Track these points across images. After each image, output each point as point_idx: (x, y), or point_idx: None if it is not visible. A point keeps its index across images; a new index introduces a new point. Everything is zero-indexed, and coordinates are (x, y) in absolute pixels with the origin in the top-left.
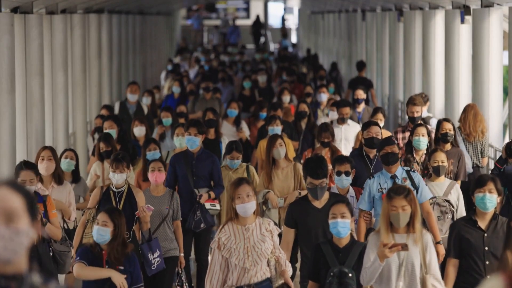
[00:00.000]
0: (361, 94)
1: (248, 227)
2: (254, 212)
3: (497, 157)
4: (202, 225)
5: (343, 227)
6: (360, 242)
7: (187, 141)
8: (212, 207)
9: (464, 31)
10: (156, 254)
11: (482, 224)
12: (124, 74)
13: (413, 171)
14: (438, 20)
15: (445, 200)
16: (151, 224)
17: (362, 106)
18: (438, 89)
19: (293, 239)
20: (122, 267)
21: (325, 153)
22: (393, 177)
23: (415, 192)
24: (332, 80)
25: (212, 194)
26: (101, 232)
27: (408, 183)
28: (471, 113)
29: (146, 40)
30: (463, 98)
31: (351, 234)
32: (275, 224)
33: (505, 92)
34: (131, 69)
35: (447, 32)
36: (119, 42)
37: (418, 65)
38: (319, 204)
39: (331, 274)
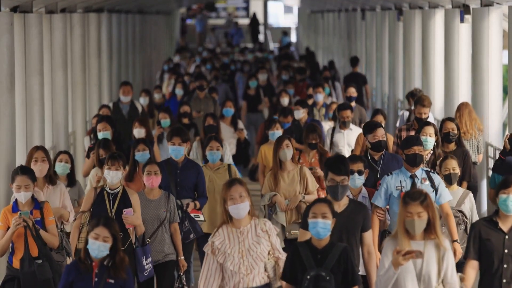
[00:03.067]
0: (353, 92)
1: (242, 230)
2: (249, 213)
3: (497, 156)
4: (191, 236)
5: (323, 227)
6: (340, 244)
7: (171, 151)
8: (196, 218)
9: (463, 30)
10: (148, 260)
11: (504, 226)
12: (124, 73)
13: (433, 172)
14: (438, 19)
15: (458, 210)
16: (148, 228)
17: (353, 105)
18: (438, 88)
19: None
20: (112, 281)
21: (313, 155)
22: (413, 177)
23: (434, 194)
24: (330, 79)
25: (197, 204)
26: (102, 248)
27: (427, 184)
28: (466, 111)
29: (146, 39)
30: (463, 97)
31: (330, 235)
32: (283, 226)
33: (505, 91)
34: (131, 68)
35: (447, 31)
36: (118, 41)
37: (417, 64)
38: (338, 207)
39: (308, 277)
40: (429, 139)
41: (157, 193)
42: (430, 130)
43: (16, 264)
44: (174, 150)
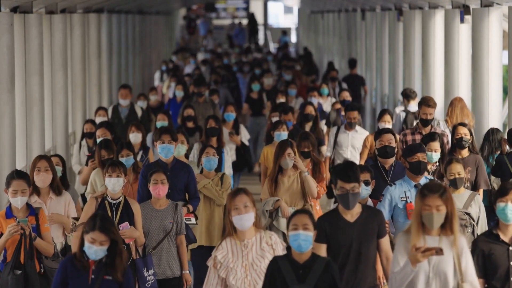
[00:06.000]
0: (347, 95)
1: (247, 243)
2: (254, 225)
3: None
4: None
5: (305, 240)
6: (322, 257)
7: (161, 150)
8: (188, 221)
9: (463, 31)
10: (151, 272)
11: (506, 237)
12: (124, 73)
13: (437, 181)
14: (438, 19)
15: (465, 213)
16: (152, 239)
17: None
18: (438, 88)
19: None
20: (110, 277)
21: (306, 164)
22: (417, 186)
23: None
24: (329, 80)
25: (190, 208)
26: (99, 253)
27: None
28: (458, 106)
29: (146, 40)
30: (463, 97)
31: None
32: (284, 235)
33: (505, 91)
34: (131, 69)
35: (447, 32)
36: (118, 41)
37: (417, 64)
38: (351, 217)
39: None
40: (434, 155)
41: (164, 203)
42: (435, 146)
43: None
44: (164, 149)
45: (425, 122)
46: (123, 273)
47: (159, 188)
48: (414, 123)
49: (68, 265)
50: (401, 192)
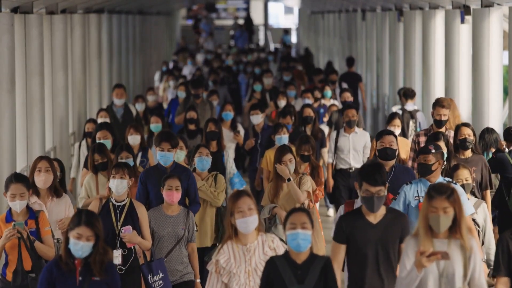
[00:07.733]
0: (348, 96)
1: (249, 247)
2: (256, 229)
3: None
4: None
5: (303, 239)
6: (321, 256)
7: (160, 157)
8: None
9: (464, 31)
10: (157, 277)
11: None
12: (124, 74)
13: (455, 183)
14: (438, 20)
15: (471, 218)
16: (165, 246)
17: None
18: (438, 89)
19: (344, 257)
20: (97, 278)
21: (305, 168)
22: None
23: None
24: (329, 83)
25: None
26: (85, 249)
27: None
28: (450, 108)
29: (146, 40)
30: (463, 98)
31: (310, 248)
32: (282, 241)
33: (505, 92)
34: (131, 69)
35: (447, 32)
36: (119, 42)
37: (418, 65)
38: (374, 219)
39: None
40: None
41: (176, 209)
42: (441, 144)
43: (9, 276)
44: (163, 156)
45: (439, 123)
46: (104, 270)
47: (173, 194)
48: (410, 122)
49: (53, 269)
50: (416, 191)
